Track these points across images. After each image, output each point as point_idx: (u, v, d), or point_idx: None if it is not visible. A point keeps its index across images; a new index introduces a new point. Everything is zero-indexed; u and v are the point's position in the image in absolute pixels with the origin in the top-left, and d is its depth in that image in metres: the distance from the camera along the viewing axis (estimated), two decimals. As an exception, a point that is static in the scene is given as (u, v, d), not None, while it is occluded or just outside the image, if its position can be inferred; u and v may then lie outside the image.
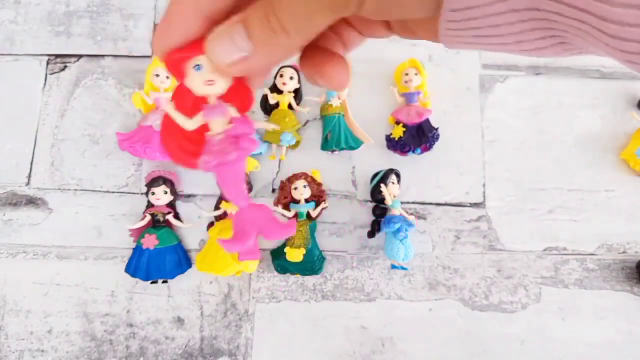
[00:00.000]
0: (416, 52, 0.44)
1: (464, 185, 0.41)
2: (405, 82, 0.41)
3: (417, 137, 0.40)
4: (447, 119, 0.42)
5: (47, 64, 0.42)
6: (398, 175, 0.39)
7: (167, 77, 0.41)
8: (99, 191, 0.40)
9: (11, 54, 0.43)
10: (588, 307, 0.39)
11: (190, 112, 0.18)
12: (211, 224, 0.39)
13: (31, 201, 0.39)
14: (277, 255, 0.38)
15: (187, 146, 0.19)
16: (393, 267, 0.38)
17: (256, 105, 0.42)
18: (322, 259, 0.38)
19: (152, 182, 0.38)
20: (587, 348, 0.38)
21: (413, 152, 0.40)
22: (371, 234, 0.39)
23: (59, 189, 0.40)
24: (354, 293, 0.38)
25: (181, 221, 0.39)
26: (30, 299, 0.37)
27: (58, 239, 0.39)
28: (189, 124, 0.18)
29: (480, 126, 0.42)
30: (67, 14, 0.44)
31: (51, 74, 0.42)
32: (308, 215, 0.39)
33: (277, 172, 0.41)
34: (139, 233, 0.38)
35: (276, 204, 0.39)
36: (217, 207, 0.39)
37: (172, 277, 0.37)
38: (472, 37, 0.18)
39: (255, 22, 0.17)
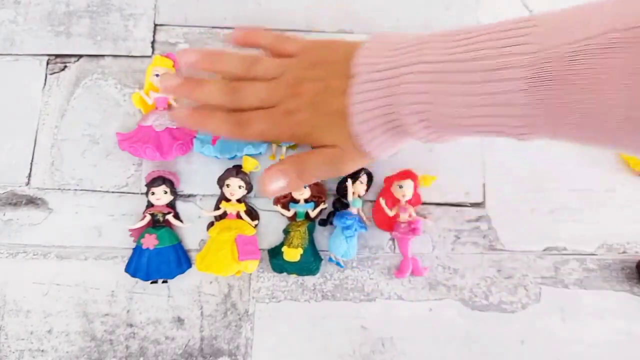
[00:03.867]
0: (416, 52, 0.44)
1: (464, 185, 0.41)
2: None
3: None
4: (447, 119, 0.42)
5: (47, 64, 0.43)
6: (370, 177, 0.39)
7: None
8: (99, 191, 0.40)
9: (11, 54, 0.43)
10: (588, 307, 0.39)
11: (391, 206, 0.39)
12: (211, 224, 0.39)
13: (31, 201, 0.40)
14: (275, 254, 0.38)
15: (387, 221, 0.39)
16: (330, 260, 0.39)
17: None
18: (319, 259, 0.38)
19: (152, 182, 0.38)
20: (587, 348, 0.38)
21: None
22: (323, 223, 0.39)
23: (59, 189, 0.40)
24: (354, 293, 0.38)
25: (181, 221, 0.39)
26: (30, 299, 0.37)
27: (58, 239, 0.39)
28: (390, 213, 0.39)
29: (480, 126, 0.42)
30: (67, 14, 0.44)
31: (51, 74, 0.42)
32: (307, 215, 0.39)
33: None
34: (139, 233, 0.38)
35: (275, 203, 0.39)
36: (217, 207, 0.39)
37: (172, 277, 0.38)
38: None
39: (292, 174, 0.33)
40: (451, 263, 0.39)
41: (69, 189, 0.40)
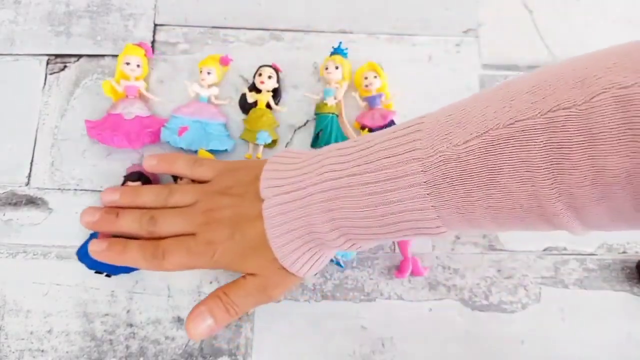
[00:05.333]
0: (416, 51, 0.44)
1: (464, 185, 0.41)
2: (366, 86, 0.41)
3: None
4: (447, 119, 0.42)
5: (47, 64, 0.43)
6: None
7: (138, 66, 0.40)
8: (99, 191, 0.40)
9: (11, 54, 0.43)
10: (588, 307, 0.39)
11: None
12: None
13: (31, 201, 0.40)
14: None
15: None
16: (330, 260, 0.38)
17: (234, 104, 0.42)
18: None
19: (130, 176, 0.38)
20: (587, 348, 0.38)
21: None
22: None
23: (59, 189, 0.40)
24: (354, 293, 0.38)
25: None
26: (30, 299, 0.37)
27: (58, 239, 0.39)
28: None
29: (480, 126, 0.42)
30: (67, 14, 0.44)
31: (51, 74, 0.42)
32: None
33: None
34: None
35: None
36: None
37: (116, 274, 0.37)
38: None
39: (218, 312, 0.32)
40: (451, 263, 0.39)
41: (69, 189, 0.40)
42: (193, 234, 0.33)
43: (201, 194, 0.34)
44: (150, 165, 0.37)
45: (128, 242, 0.34)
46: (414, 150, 0.26)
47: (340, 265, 0.38)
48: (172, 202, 0.35)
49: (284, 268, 0.31)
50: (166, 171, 0.37)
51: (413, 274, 0.38)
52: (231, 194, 0.33)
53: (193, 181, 0.36)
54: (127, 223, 0.34)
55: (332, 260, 0.38)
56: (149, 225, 0.34)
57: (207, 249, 0.32)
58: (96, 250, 0.34)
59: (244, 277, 0.33)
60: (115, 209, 0.35)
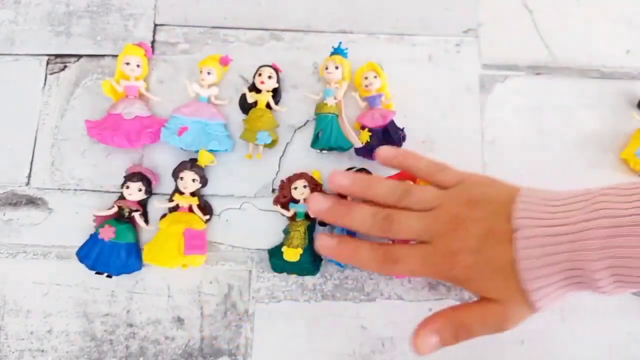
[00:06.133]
0: (416, 51, 0.44)
1: (464, 185, 0.41)
2: (366, 86, 0.41)
3: (384, 140, 0.39)
4: (447, 119, 0.42)
5: (47, 64, 0.43)
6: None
7: (138, 66, 0.40)
8: (99, 191, 0.40)
9: (11, 54, 0.43)
10: (588, 307, 0.39)
11: None
12: (164, 216, 0.39)
13: (31, 201, 0.40)
14: (274, 254, 0.38)
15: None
16: (329, 260, 0.38)
17: (234, 104, 0.42)
18: (320, 259, 0.38)
19: (131, 177, 0.38)
20: (587, 348, 0.38)
21: None
22: (323, 223, 0.39)
23: (59, 189, 0.40)
24: (354, 293, 0.38)
25: (147, 222, 0.39)
26: (30, 299, 0.37)
27: (58, 239, 0.39)
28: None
29: (480, 126, 0.42)
30: (67, 14, 0.44)
31: (51, 74, 0.42)
32: (307, 215, 0.39)
33: (277, 172, 0.41)
34: (102, 221, 0.38)
35: (275, 202, 0.39)
36: (170, 199, 0.39)
37: (117, 274, 0.37)
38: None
39: (446, 335, 0.30)
40: (451, 263, 0.39)
41: (69, 189, 0.40)
42: (427, 242, 0.31)
43: (444, 199, 0.32)
44: (386, 157, 0.35)
45: (359, 241, 0.33)
46: None
47: (341, 266, 0.38)
48: (407, 202, 0.32)
49: (528, 301, 0.29)
50: (401, 165, 0.35)
51: None
52: (480, 209, 0.30)
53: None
54: (360, 218, 0.33)
55: (331, 260, 0.38)
56: (383, 224, 0.32)
57: (446, 261, 0.30)
58: (326, 245, 0.33)
59: (482, 304, 0.30)
60: (346, 202, 0.34)
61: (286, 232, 0.38)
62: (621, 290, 0.28)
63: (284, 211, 0.39)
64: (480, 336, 0.31)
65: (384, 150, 0.35)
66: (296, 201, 0.39)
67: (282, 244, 0.38)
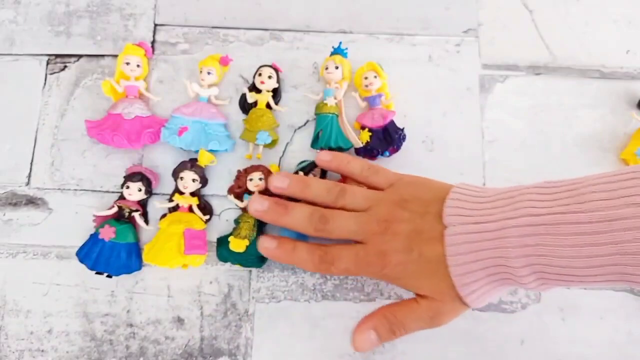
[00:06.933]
0: (416, 51, 0.44)
1: (464, 185, 0.41)
2: (366, 86, 0.41)
3: (384, 140, 0.39)
4: (447, 119, 0.42)
5: (47, 64, 0.43)
6: (324, 171, 0.39)
7: (138, 66, 0.40)
8: (99, 191, 0.40)
9: (11, 54, 0.43)
10: (588, 307, 0.39)
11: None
12: (164, 216, 0.39)
13: (31, 201, 0.40)
14: (222, 243, 0.38)
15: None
16: None
17: (234, 104, 0.42)
18: None
19: (131, 176, 0.38)
20: (587, 348, 0.38)
21: (382, 155, 0.40)
22: None
23: (59, 189, 0.40)
24: (354, 293, 0.38)
25: (147, 222, 0.39)
26: (30, 299, 0.37)
27: (58, 239, 0.39)
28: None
29: (480, 126, 0.42)
30: (67, 14, 0.44)
31: (51, 74, 0.42)
32: None
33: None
34: (102, 221, 0.38)
35: (229, 192, 0.39)
36: (170, 199, 0.39)
37: (117, 275, 0.37)
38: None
39: (383, 331, 0.33)
40: (451, 263, 0.39)
41: (69, 189, 0.40)
42: (362, 242, 0.33)
43: (376, 200, 0.33)
44: (323, 161, 0.37)
45: (297, 243, 0.35)
46: (631, 195, 0.26)
47: None
48: (342, 203, 0.34)
49: (458, 296, 0.30)
50: (338, 169, 0.37)
51: None
52: (410, 210, 0.32)
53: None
54: (297, 218, 0.34)
55: None
56: (319, 223, 0.33)
57: (378, 260, 0.31)
58: (267, 247, 0.35)
59: (415, 300, 0.32)
60: (284, 202, 0.35)
61: (236, 222, 0.38)
62: (546, 287, 0.29)
63: (237, 201, 0.39)
64: (416, 331, 0.34)
65: (322, 155, 0.37)
66: (251, 193, 0.39)
67: (230, 234, 0.38)
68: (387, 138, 0.40)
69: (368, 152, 0.39)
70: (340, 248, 0.33)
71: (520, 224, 0.28)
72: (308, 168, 0.39)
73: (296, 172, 0.39)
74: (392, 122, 0.40)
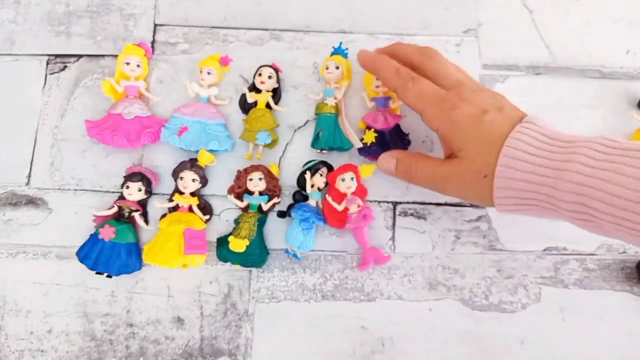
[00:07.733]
0: (416, 52, 0.44)
1: (464, 185, 0.41)
2: (377, 86, 0.41)
3: (389, 142, 0.39)
4: (447, 119, 0.42)
5: (47, 64, 0.43)
6: (330, 170, 0.40)
7: (138, 66, 0.40)
8: (99, 191, 0.40)
9: (11, 54, 0.43)
10: (588, 307, 0.39)
11: (339, 201, 0.38)
12: (164, 216, 0.39)
13: (31, 201, 0.40)
14: (222, 243, 0.38)
15: (339, 218, 0.38)
16: (287, 252, 0.39)
17: (234, 104, 0.42)
18: (266, 252, 0.38)
19: (130, 176, 0.38)
20: (587, 348, 0.38)
21: None
22: (282, 215, 0.39)
23: (59, 189, 0.40)
24: (354, 293, 0.38)
25: (147, 222, 0.39)
26: (30, 299, 0.37)
27: (58, 239, 0.39)
28: (339, 207, 0.38)
29: (480, 126, 0.42)
30: (67, 14, 0.44)
31: (51, 74, 0.42)
32: (260, 208, 0.39)
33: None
34: (102, 221, 0.38)
35: (229, 192, 0.39)
36: (170, 199, 0.39)
37: (117, 274, 0.37)
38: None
39: (402, 167, 0.36)
40: (451, 263, 0.39)
41: (69, 189, 0.40)
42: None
43: (455, 85, 0.34)
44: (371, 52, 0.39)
45: (393, 62, 0.37)
46: None
47: (297, 257, 0.38)
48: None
49: (485, 185, 0.31)
50: (393, 54, 0.38)
51: (377, 262, 0.38)
52: (482, 98, 0.33)
53: None
54: (389, 67, 0.36)
55: (288, 252, 0.38)
56: (410, 80, 0.35)
57: (453, 102, 0.33)
58: (361, 54, 0.38)
59: (445, 159, 0.34)
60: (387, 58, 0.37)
61: (236, 222, 0.38)
62: (590, 225, 0.29)
63: (237, 201, 0.39)
64: (423, 185, 0.36)
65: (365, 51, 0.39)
66: (251, 193, 0.39)
67: (230, 234, 0.38)
68: (393, 141, 0.40)
69: (372, 152, 0.39)
70: (425, 80, 0.35)
71: (578, 160, 0.28)
72: (315, 167, 0.39)
73: (303, 172, 0.39)
74: (397, 126, 0.40)
